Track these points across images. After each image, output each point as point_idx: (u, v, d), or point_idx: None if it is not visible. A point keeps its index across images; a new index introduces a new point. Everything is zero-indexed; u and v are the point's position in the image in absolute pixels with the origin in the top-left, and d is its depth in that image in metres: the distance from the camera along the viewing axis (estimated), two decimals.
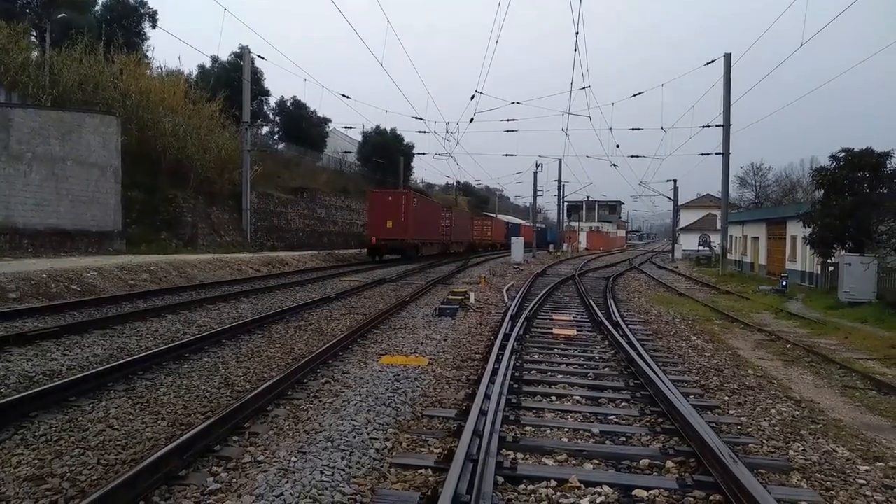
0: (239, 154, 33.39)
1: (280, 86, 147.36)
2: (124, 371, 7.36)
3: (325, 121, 53.45)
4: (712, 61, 30.24)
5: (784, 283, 23.50)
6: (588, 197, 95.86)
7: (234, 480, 4.57)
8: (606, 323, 12.31)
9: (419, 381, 7.76)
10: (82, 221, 23.13)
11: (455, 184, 70.46)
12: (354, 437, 5.55)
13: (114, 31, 32.75)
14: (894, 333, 13.51)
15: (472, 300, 15.96)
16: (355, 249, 41.90)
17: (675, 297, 21.24)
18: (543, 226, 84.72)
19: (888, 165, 20.35)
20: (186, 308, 13.17)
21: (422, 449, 5.45)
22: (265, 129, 50.06)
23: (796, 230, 26.30)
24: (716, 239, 44.29)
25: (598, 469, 5.13)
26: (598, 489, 4.66)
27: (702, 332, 13.11)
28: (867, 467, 5.37)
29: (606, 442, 5.79)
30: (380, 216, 32.34)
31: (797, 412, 7.07)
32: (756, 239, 36.14)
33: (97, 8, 36.77)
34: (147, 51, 37.37)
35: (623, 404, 7.08)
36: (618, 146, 49.34)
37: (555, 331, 11.94)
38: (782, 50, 22.21)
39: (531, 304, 15.20)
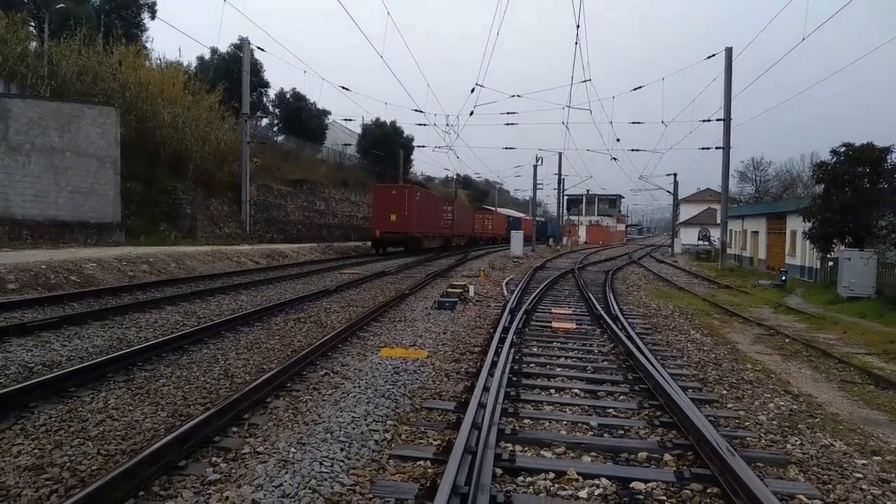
0: (238, 146, 33.33)
1: (279, 78, 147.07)
2: (124, 362, 7.38)
3: (325, 113, 53.38)
4: (713, 55, 30.15)
5: (783, 277, 23.52)
6: (588, 191, 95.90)
7: (234, 471, 4.59)
8: (605, 316, 12.32)
9: (418, 374, 7.78)
10: (81, 213, 23.11)
11: (455, 177, 70.36)
12: (354, 429, 5.56)
13: (113, 22, 32.65)
14: (893, 328, 13.54)
15: (471, 293, 15.97)
16: (355, 242, 41.92)
17: (675, 291, 21.26)
18: (543, 219, 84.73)
19: (889, 160, 20.32)
20: (186, 300, 13.17)
21: (421, 441, 5.47)
22: (265, 121, 49.98)
23: (796, 225, 26.29)
24: (715, 233, 44.32)
25: (596, 461, 5.15)
26: (596, 481, 4.67)
27: (701, 326, 13.12)
28: (864, 461, 5.39)
29: (605, 435, 5.81)
30: (384, 210, 33.11)
31: (795, 406, 7.09)
32: (756, 233, 36.14)
33: None
34: (146, 42, 37.34)
35: (622, 398, 7.10)
36: (618, 140, 49.18)
37: (554, 324, 11.95)
38: (784, 44, 22.18)
39: (530, 298, 15.21)
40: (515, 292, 16.19)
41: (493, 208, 72.82)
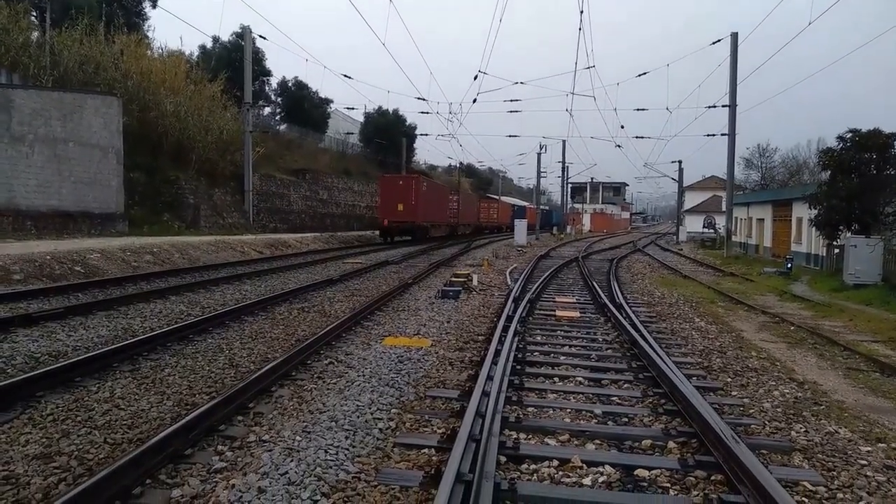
0: (240, 135, 33.29)
1: (281, 66, 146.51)
2: (129, 352, 7.41)
3: (327, 101, 53.19)
4: (719, 40, 29.99)
5: (789, 265, 23.44)
6: (592, 178, 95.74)
7: (240, 459, 4.61)
8: (609, 305, 12.31)
9: (422, 362, 7.79)
10: (85, 203, 23.15)
11: (458, 165, 70.20)
12: (358, 418, 5.58)
13: (114, 11, 32.50)
14: None
15: (475, 282, 15.97)
16: (358, 231, 41.93)
17: (679, 279, 21.23)
18: (548, 208, 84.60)
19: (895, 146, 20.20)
20: (189, 289, 13.21)
21: (425, 429, 5.48)
22: (267, 110, 49.93)
23: (802, 212, 26.18)
24: (721, 221, 44.15)
25: (600, 449, 5.16)
26: (601, 469, 4.69)
27: (705, 314, 13.11)
28: (869, 448, 5.39)
29: (609, 423, 5.82)
30: (391, 200, 33.81)
31: (800, 394, 7.09)
32: (761, 221, 36.00)
33: None
34: (147, 31, 37.16)
35: (626, 385, 7.10)
36: (622, 127, 49.01)
37: (558, 313, 11.95)
38: (790, 29, 21.99)
39: (534, 287, 15.20)
40: (519, 281, 16.18)
41: (498, 197, 72.70)
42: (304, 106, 49.50)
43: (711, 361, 8.55)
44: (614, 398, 6.59)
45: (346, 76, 32.13)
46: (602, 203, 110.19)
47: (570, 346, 9.13)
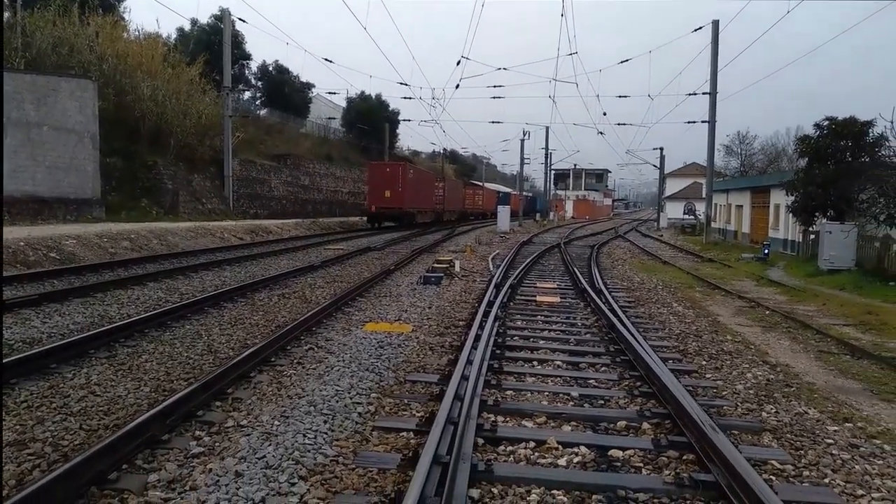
0: (220, 120, 32.88)
1: (262, 50, 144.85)
2: (105, 338, 7.35)
3: (309, 86, 52.77)
4: (700, 28, 30.11)
5: (766, 251, 23.76)
6: (575, 165, 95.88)
7: (217, 444, 4.62)
8: (589, 290, 12.42)
9: (403, 348, 7.83)
10: (60, 188, 22.79)
11: (441, 151, 70.05)
12: (337, 402, 5.61)
13: None
14: (870, 300, 13.77)
15: (457, 268, 16.01)
16: (340, 217, 41.77)
17: (659, 264, 21.43)
18: (531, 194, 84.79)
19: (870, 134, 20.48)
20: (168, 276, 13.11)
21: (404, 412, 5.52)
22: (247, 95, 49.40)
23: (780, 198, 26.50)
24: (701, 207, 44.56)
25: (576, 430, 5.24)
26: (576, 449, 4.76)
27: (683, 299, 13.27)
28: (836, 428, 5.52)
29: (585, 405, 5.90)
30: (379, 186, 34.53)
31: (772, 376, 7.22)
32: (740, 207, 36.39)
33: None
34: (123, 12, 36.45)
35: (603, 369, 7.20)
36: (605, 114, 49.36)
37: (538, 298, 12.03)
38: (769, 17, 22.13)
39: (516, 273, 15.28)
40: (501, 267, 16.25)
41: (481, 183, 72.80)
42: (284, 90, 49.01)
43: (687, 345, 8.68)
44: (591, 381, 6.67)
45: (327, 60, 31.87)
46: (584, 190, 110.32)
47: (550, 330, 9.21)
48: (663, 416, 5.49)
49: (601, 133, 43.99)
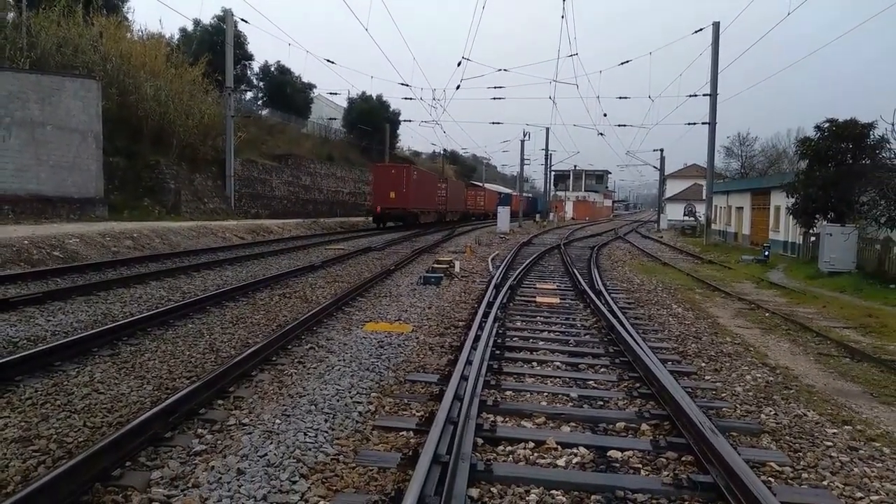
0: (222, 120, 32.98)
1: (264, 50, 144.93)
2: (109, 337, 7.39)
3: (310, 87, 52.84)
4: (700, 29, 30.15)
5: (766, 253, 23.78)
6: (575, 166, 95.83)
7: (219, 442, 4.66)
8: (589, 291, 12.45)
9: (403, 347, 7.87)
10: (63, 188, 22.86)
11: (442, 152, 70.13)
12: (338, 401, 5.65)
13: None
14: (871, 303, 13.80)
15: (457, 269, 16.04)
16: (341, 218, 41.84)
17: (659, 266, 21.45)
18: (531, 195, 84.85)
19: (871, 136, 20.51)
20: (170, 275, 13.16)
21: (404, 412, 5.56)
22: (249, 95, 49.45)
23: (780, 200, 26.52)
24: (701, 209, 44.60)
25: (575, 431, 5.27)
26: (575, 450, 4.80)
27: (683, 300, 13.29)
28: (835, 430, 5.55)
29: (584, 406, 5.93)
30: (384, 187, 35.46)
31: (771, 378, 7.25)
32: (740, 209, 36.41)
33: None
34: (127, 13, 36.52)
35: (602, 370, 7.23)
36: (605, 115, 49.31)
37: (538, 299, 12.07)
38: (770, 18, 22.19)
39: (515, 273, 15.31)
40: (501, 268, 16.29)
41: (482, 184, 72.88)
42: (286, 91, 49.09)
43: (687, 347, 8.71)
44: (590, 382, 6.71)
45: (329, 61, 31.98)
46: (584, 191, 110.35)
47: (550, 331, 9.25)
48: (662, 418, 5.53)
49: (601, 134, 44.03)
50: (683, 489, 4.20)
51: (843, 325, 11.18)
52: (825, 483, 4.46)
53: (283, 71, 49.34)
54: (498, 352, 7.67)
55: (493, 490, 4.13)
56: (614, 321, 9.13)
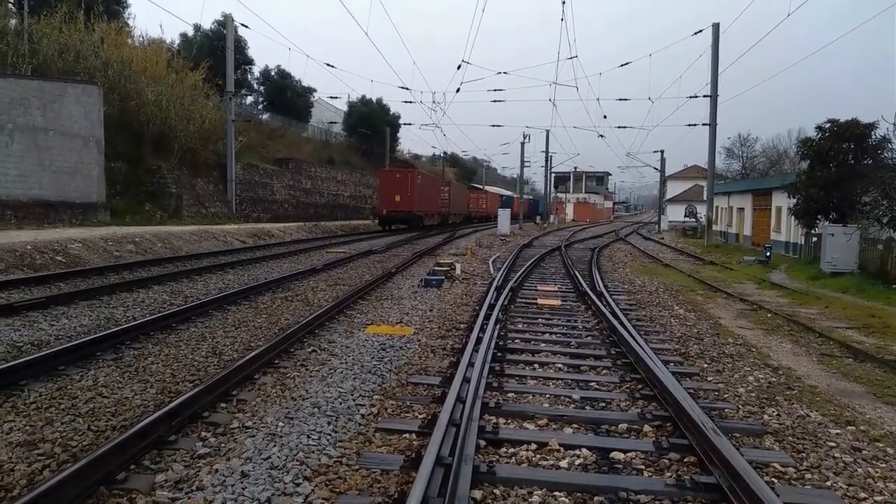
0: (223, 124, 33.06)
1: (264, 55, 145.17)
2: (112, 341, 7.41)
3: (310, 91, 52.91)
4: (700, 31, 30.15)
5: (768, 253, 23.77)
6: (575, 168, 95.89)
7: (223, 445, 4.67)
8: (590, 293, 12.46)
9: (405, 350, 7.88)
10: (66, 193, 22.91)
11: (442, 155, 70.17)
12: (340, 404, 5.66)
13: None
14: (874, 303, 13.79)
15: (457, 271, 16.06)
16: (342, 221, 41.91)
17: (660, 267, 21.45)
18: (531, 197, 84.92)
19: (873, 136, 20.51)
20: (172, 279, 13.18)
21: (406, 414, 5.57)
22: (249, 99, 49.51)
23: (781, 201, 26.53)
24: (702, 210, 44.64)
25: (577, 433, 5.28)
26: (577, 452, 4.80)
27: (684, 301, 13.30)
28: (838, 431, 5.55)
29: (586, 407, 5.94)
30: (389, 191, 36.58)
31: (774, 379, 7.25)
32: (741, 210, 36.41)
33: None
34: (128, 19, 36.63)
35: (604, 371, 7.24)
36: (605, 117, 49.40)
37: (539, 301, 12.08)
38: (770, 19, 22.21)
39: (516, 275, 15.32)
40: (502, 270, 16.30)
41: (482, 186, 73.03)
42: (286, 95, 49.17)
43: (689, 348, 8.72)
44: (592, 384, 6.71)
45: (329, 65, 32.03)
46: (585, 192, 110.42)
47: (551, 333, 9.26)
48: (664, 419, 5.53)
49: (602, 136, 44.14)
50: (686, 490, 4.20)
51: (845, 325, 11.17)
52: (828, 484, 4.46)
53: (283, 75, 49.42)
54: (500, 354, 7.67)
55: (496, 492, 4.14)
56: (616, 323, 9.14)
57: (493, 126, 58.71)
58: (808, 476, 4.57)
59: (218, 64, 34.89)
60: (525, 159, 58.18)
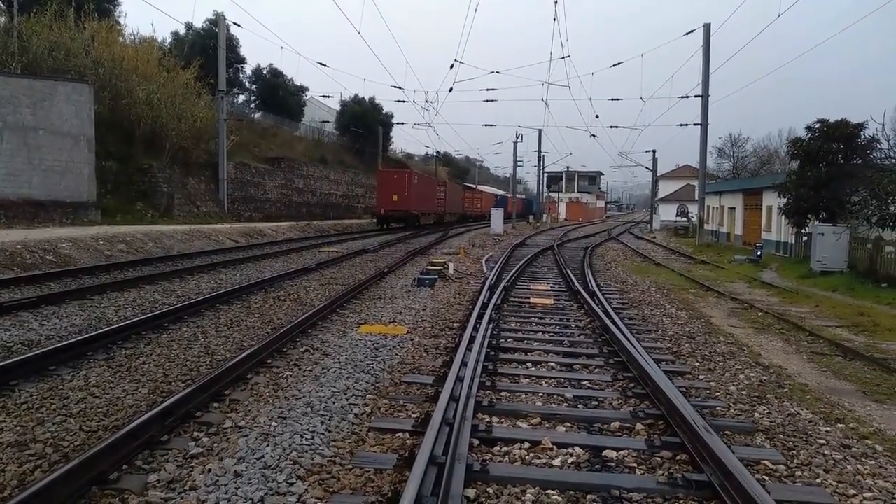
0: (215, 123, 32.93)
1: (256, 54, 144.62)
2: (103, 340, 7.38)
3: (303, 89, 52.73)
4: (692, 31, 30.25)
5: (759, 252, 23.90)
6: (568, 167, 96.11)
7: (216, 445, 4.67)
8: (583, 292, 12.49)
9: (398, 349, 7.88)
10: (56, 192, 22.77)
11: (435, 154, 70.19)
12: (334, 403, 5.66)
13: None
14: (863, 301, 13.90)
15: (451, 270, 16.07)
16: (334, 220, 41.85)
17: (652, 266, 21.54)
18: (524, 196, 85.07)
19: (862, 136, 20.66)
20: (164, 279, 13.13)
21: (400, 414, 5.58)
22: (241, 98, 49.30)
23: (772, 200, 26.68)
24: (694, 209, 44.82)
25: (570, 431, 5.30)
26: (570, 450, 4.82)
27: (676, 300, 13.35)
28: (828, 428, 5.60)
29: (579, 406, 5.96)
30: (387, 191, 37.56)
31: (765, 377, 7.30)
32: (733, 209, 36.59)
33: None
34: (119, 17, 36.42)
35: (596, 370, 7.26)
36: (597, 116, 49.58)
37: (532, 300, 12.10)
38: (760, 21, 22.32)
39: (509, 275, 15.35)
40: (495, 269, 16.31)
41: (475, 186, 73.20)
42: (278, 94, 49.01)
43: (680, 346, 8.76)
44: (585, 382, 6.74)
45: (321, 64, 31.94)
46: (577, 192, 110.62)
47: (544, 332, 9.28)
48: (657, 417, 5.56)
49: (594, 136, 44.24)
50: (678, 488, 4.23)
51: (835, 324, 11.25)
52: (819, 481, 4.50)
53: (275, 74, 49.26)
54: (493, 353, 7.69)
55: (490, 490, 4.15)
56: (608, 322, 9.18)
57: (486, 125, 58.96)
58: (798, 473, 4.61)
59: (210, 62, 34.75)
60: (518, 159, 58.22)
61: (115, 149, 27.69)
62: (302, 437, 4.82)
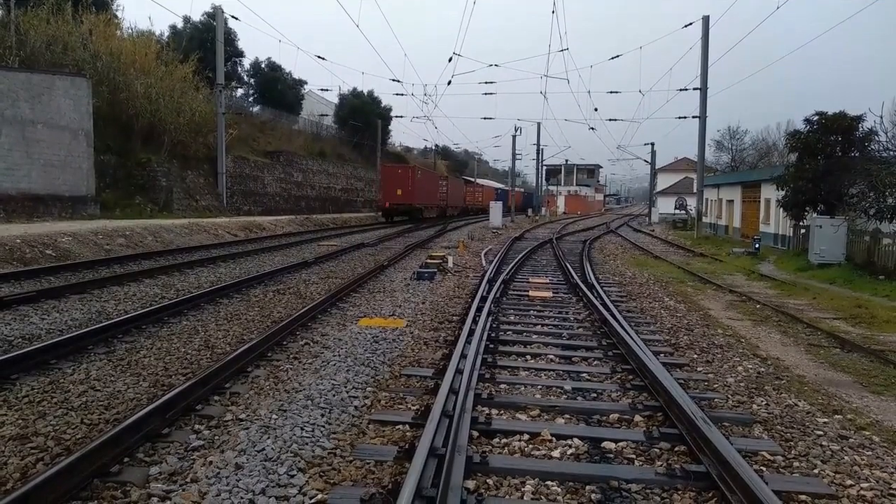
0: (213, 117, 32.87)
1: (254, 47, 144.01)
2: (104, 334, 7.41)
3: (301, 83, 52.69)
4: (690, 24, 30.22)
5: (757, 245, 23.93)
6: (567, 161, 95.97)
7: (217, 437, 4.69)
8: (581, 285, 12.51)
9: (397, 342, 7.90)
10: (55, 186, 22.75)
11: (433, 147, 70.10)
12: (334, 396, 5.68)
13: None
14: (861, 294, 13.93)
15: (450, 264, 16.09)
16: (333, 214, 41.86)
17: (651, 259, 21.56)
18: (523, 189, 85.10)
19: (860, 129, 20.65)
20: (164, 272, 13.14)
21: (399, 406, 5.60)
22: (240, 92, 49.16)
23: (770, 193, 26.68)
24: (692, 202, 44.81)
25: (569, 423, 5.33)
26: (569, 441, 4.85)
27: (675, 293, 13.38)
28: (826, 419, 5.63)
29: (578, 398, 5.99)
30: (391, 185, 38.75)
31: (763, 369, 7.33)
32: (731, 202, 36.59)
33: None
34: (117, 10, 36.23)
35: (595, 362, 7.29)
36: (596, 109, 49.54)
37: (531, 293, 12.12)
38: (759, 13, 22.28)
39: (508, 268, 15.37)
40: (494, 262, 16.34)
41: (474, 179, 73.41)
42: (277, 87, 48.93)
43: (679, 339, 8.79)
44: (584, 374, 6.77)
45: (320, 57, 31.83)
46: (576, 185, 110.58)
47: (543, 325, 9.30)
48: (655, 409, 5.59)
49: (593, 129, 44.21)
50: (677, 479, 4.26)
51: (833, 316, 11.29)
52: (816, 471, 4.53)
53: (273, 68, 49.17)
54: (492, 345, 7.71)
55: (489, 481, 4.18)
56: (607, 314, 9.20)
57: (485, 119, 58.77)
58: (796, 464, 4.64)
59: (208, 56, 34.69)
60: (517, 152, 58.21)
61: (113, 143, 27.65)
62: (302, 429, 4.85)
